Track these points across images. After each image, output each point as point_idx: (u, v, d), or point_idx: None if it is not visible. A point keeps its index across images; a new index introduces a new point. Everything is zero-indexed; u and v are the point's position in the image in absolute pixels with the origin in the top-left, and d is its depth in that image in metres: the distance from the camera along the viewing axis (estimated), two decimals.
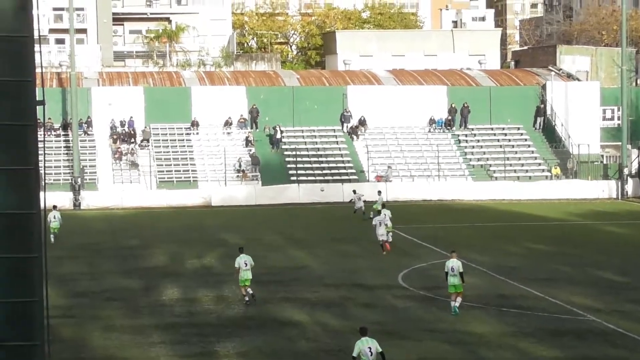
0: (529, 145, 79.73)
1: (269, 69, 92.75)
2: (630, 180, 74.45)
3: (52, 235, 49.45)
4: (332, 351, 27.56)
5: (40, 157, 9.30)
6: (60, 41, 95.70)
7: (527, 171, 77.05)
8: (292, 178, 73.51)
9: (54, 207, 52.79)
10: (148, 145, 76.72)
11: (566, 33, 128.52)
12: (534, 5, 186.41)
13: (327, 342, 28.69)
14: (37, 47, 9.14)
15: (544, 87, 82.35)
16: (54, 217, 50.63)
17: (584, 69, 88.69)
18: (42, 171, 9.36)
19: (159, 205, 69.46)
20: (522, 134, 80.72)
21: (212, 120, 78.71)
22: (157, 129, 78.32)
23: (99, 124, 77.95)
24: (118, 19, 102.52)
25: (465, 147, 79.09)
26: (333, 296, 35.67)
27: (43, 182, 9.68)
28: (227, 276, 38.76)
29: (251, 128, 79.33)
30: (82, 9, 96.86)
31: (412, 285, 37.54)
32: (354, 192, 62.29)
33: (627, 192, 73.65)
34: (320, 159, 76.86)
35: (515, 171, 76.64)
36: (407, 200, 69.70)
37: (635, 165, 77.01)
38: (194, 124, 78.33)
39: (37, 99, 9.24)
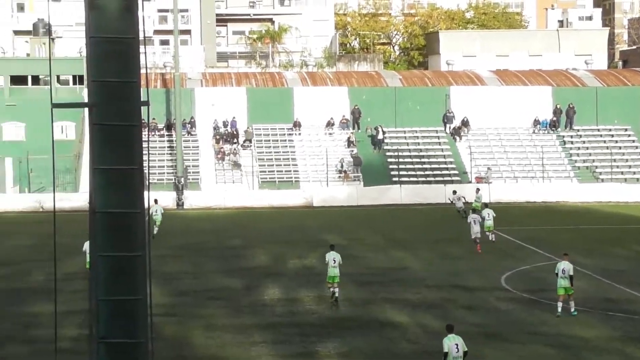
0: (636, 147, 78.09)
1: (371, 69, 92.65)
2: None
3: (155, 228, 51.65)
4: (434, 353, 27.26)
5: (145, 157, 9.38)
6: (164, 42, 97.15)
7: (634, 173, 75.47)
8: (394, 179, 73.26)
9: (155, 201, 54.14)
10: (250, 146, 77.29)
11: None
12: None
13: (428, 343, 28.44)
14: (142, 49, 9.22)
15: None
16: (156, 211, 52.74)
17: None
18: (146, 171, 9.44)
19: (260, 205, 69.89)
20: (629, 135, 79.11)
21: (314, 121, 78.94)
22: (260, 129, 78.84)
23: (202, 125, 78.82)
24: (221, 20, 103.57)
25: (571, 148, 77.84)
26: (434, 297, 35.42)
27: (147, 182, 9.76)
28: None
29: (353, 129, 79.32)
30: (186, 11, 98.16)
31: (515, 288, 37.05)
32: (454, 192, 61.82)
33: None
34: (422, 160, 76.53)
35: (622, 173, 75.14)
36: (510, 201, 68.85)
37: None
38: (296, 125, 78.66)
39: (142, 99, 9.33)
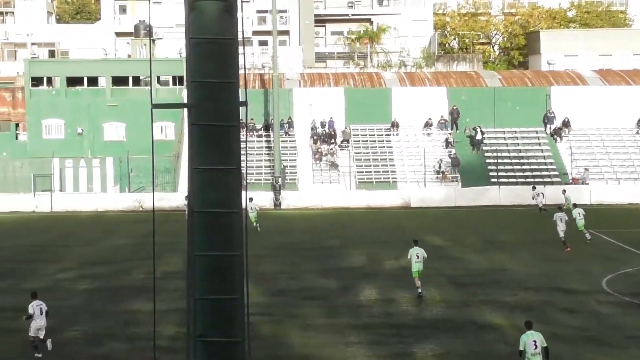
0: None
1: (470, 69, 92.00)
2: None
3: (256, 225, 54.07)
4: None
5: (243, 158, 9.42)
6: (263, 43, 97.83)
7: None
8: (493, 180, 72.63)
9: (250, 199, 54.67)
10: (348, 146, 77.38)
11: None
12: None
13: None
14: (241, 49, 9.26)
15: None
16: (252, 209, 54.01)
17: None
18: (244, 171, 9.47)
19: (357, 205, 69.90)
20: None
21: (412, 121, 78.73)
22: (357, 129, 78.90)
23: (299, 125, 79.19)
24: (320, 21, 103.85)
25: None
26: (533, 300, 34.96)
27: (245, 182, 9.80)
28: (425, 277, 38.63)
29: (451, 129, 78.89)
30: (285, 11, 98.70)
31: (617, 291, 36.34)
32: (533, 188, 61.67)
33: None
34: (522, 161, 75.79)
35: None
36: (612, 203, 67.70)
37: None
38: (394, 125, 78.51)
39: (240, 100, 9.36)
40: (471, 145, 77.16)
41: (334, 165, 75.56)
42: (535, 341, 22.17)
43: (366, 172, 75.08)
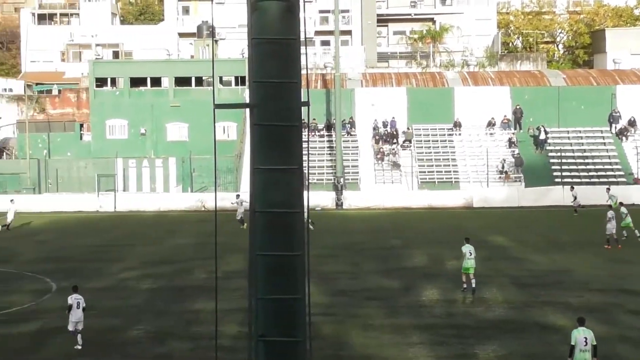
0: None
1: (534, 68, 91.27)
2: None
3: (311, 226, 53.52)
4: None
5: (305, 158, 9.41)
6: (325, 43, 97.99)
7: None
8: (557, 180, 71.96)
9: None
10: (410, 146, 77.18)
11: None
12: None
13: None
14: (303, 49, 9.25)
15: None
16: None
17: None
18: (305, 171, 9.47)
19: (419, 205, 69.70)
20: None
21: (475, 121, 78.33)
22: (419, 129, 78.69)
23: (361, 125, 79.17)
24: (382, 20, 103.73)
25: None
26: (598, 302, 34.54)
27: (307, 182, 9.79)
28: (487, 278, 38.46)
29: (515, 129, 78.34)
30: (347, 11, 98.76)
31: None
32: (572, 188, 62.93)
33: None
34: (587, 161, 75.00)
35: None
36: None
37: None
38: (457, 125, 78.15)
39: (302, 100, 9.36)
40: (535, 145, 76.56)
41: (396, 165, 75.42)
42: (585, 338, 22.47)
43: (428, 172, 74.82)
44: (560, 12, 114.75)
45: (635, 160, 73.49)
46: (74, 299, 28.72)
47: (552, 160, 74.67)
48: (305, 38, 9.30)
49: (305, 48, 9.15)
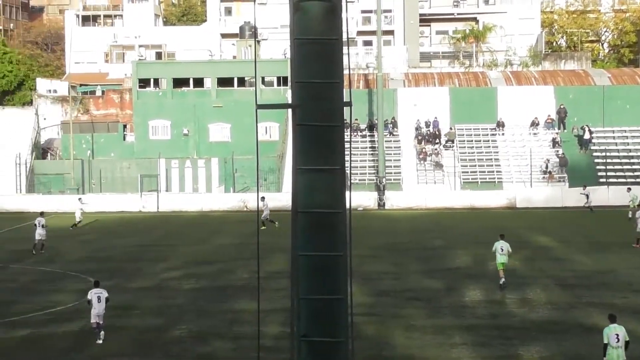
0: None
1: (578, 68, 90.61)
2: None
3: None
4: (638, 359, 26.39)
5: (347, 158, 9.39)
6: (367, 43, 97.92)
7: None
8: (601, 180, 71.39)
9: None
10: (452, 146, 76.92)
11: None
12: None
13: (636, 349, 27.46)
14: (345, 50, 9.23)
15: None
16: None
17: None
18: (348, 171, 9.44)
19: (462, 205, 69.44)
20: None
21: (518, 121, 77.92)
22: (462, 129, 78.40)
23: (404, 125, 79.02)
24: (425, 20, 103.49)
25: None
26: None
27: (349, 182, 9.78)
28: (531, 279, 38.24)
29: (559, 129, 77.82)
30: (389, 11, 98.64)
31: None
32: (584, 186, 64.00)
33: None
34: (632, 161, 74.34)
35: None
36: None
37: None
38: (500, 125, 77.78)
39: (345, 100, 9.34)
40: (579, 145, 76.03)
41: (438, 165, 75.20)
42: (617, 335, 22.59)
43: (471, 172, 74.53)
44: (605, 10, 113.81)
45: None
46: (93, 293, 29.12)
47: (596, 161, 74.10)
48: (348, 38, 9.28)
49: (348, 48, 9.13)
